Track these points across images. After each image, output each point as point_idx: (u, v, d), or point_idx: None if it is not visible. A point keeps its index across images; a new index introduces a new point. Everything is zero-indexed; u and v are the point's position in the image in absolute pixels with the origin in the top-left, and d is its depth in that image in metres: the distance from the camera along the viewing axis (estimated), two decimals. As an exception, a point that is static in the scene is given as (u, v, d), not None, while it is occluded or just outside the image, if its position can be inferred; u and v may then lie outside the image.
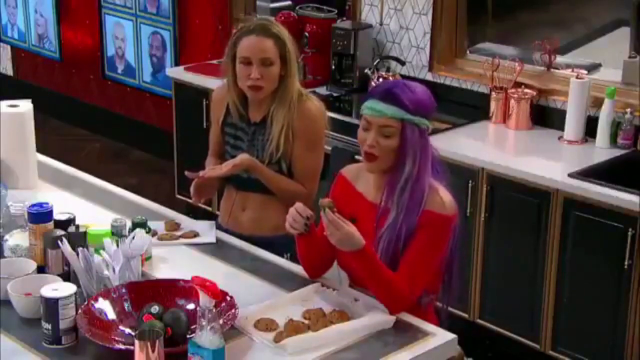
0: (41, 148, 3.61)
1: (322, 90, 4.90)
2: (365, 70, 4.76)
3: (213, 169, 3.06)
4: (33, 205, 2.76)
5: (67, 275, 2.62)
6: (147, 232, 2.81)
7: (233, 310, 2.44)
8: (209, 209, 4.98)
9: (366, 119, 2.56)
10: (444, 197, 2.57)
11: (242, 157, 3.04)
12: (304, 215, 2.58)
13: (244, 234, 3.12)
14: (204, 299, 2.20)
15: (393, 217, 2.54)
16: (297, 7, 5.22)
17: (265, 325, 2.46)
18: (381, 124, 2.52)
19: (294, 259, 2.91)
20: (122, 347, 2.31)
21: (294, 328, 2.43)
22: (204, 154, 3.30)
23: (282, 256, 3.00)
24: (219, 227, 3.18)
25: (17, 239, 2.82)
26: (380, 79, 4.59)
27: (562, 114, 4.17)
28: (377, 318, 2.48)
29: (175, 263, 2.88)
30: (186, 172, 3.06)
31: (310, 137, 3.07)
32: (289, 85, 3.05)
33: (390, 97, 2.51)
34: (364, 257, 2.49)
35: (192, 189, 3.11)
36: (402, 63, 4.77)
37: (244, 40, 3.01)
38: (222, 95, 3.18)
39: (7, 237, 2.83)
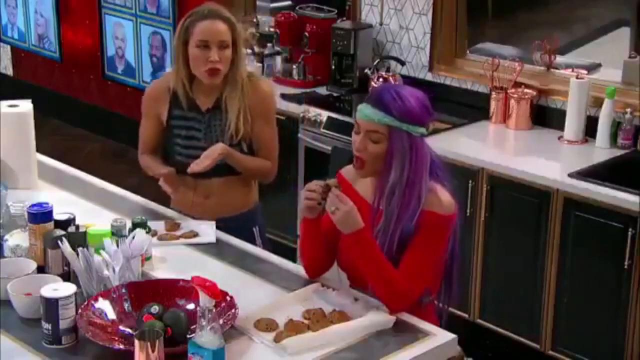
0: (41, 148, 3.60)
1: (322, 90, 4.90)
2: (365, 70, 4.76)
3: (197, 164, 3.07)
4: (33, 205, 2.76)
5: (67, 275, 2.62)
6: (147, 232, 2.81)
7: (233, 310, 2.44)
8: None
9: (357, 122, 2.57)
10: (442, 197, 2.57)
11: (221, 146, 3.08)
12: (322, 184, 2.58)
13: (210, 219, 3.16)
14: (204, 299, 2.20)
15: (383, 223, 2.55)
16: (297, 7, 5.22)
17: (265, 325, 2.46)
18: (369, 128, 2.53)
19: (262, 231, 3.18)
20: (122, 347, 2.31)
21: (294, 328, 2.44)
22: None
23: (252, 231, 3.20)
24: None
25: (17, 239, 2.82)
26: (380, 79, 4.59)
27: (562, 114, 4.17)
28: (377, 318, 2.48)
29: (175, 263, 2.88)
30: (160, 182, 3.13)
31: (267, 114, 3.20)
32: (240, 68, 3.13)
33: (378, 103, 2.52)
34: (362, 240, 2.49)
35: (167, 188, 3.14)
36: (402, 63, 4.76)
37: (199, 24, 3.06)
38: (163, 88, 3.20)
39: (7, 237, 2.83)
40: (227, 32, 3.07)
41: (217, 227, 3.10)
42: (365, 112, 2.54)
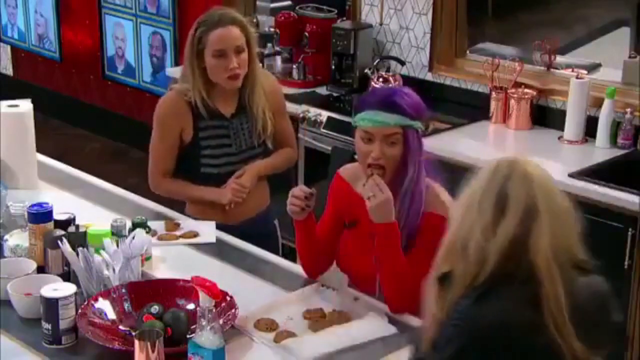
0: (41, 148, 3.60)
1: (322, 90, 4.90)
2: (365, 70, 4.76)
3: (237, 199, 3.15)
4: (33, 205, 2.76)
5: (67, 275, 2.62)
6: (147, 232, 2.82)
7: (233, 310, 2.44)
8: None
9: (367, 130, 2.53)
10: (444, 198, 2.57)
11: (250, 173, 3.15)
12: (306, 191, 2.61)
13: (234, 224, 3.17)
14: (204, 299, 2.20)
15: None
16: (297, 7, 5.21)
17: (265, 325, 2.46)
18: (386, 133, 2.51)
19: (281, 223, 3.22)
20: (122, 347, 2.31)
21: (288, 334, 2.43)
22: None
23: (274, 224, 3.33)
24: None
25: (17, 239, 2.82)
26: (381, 79, 4.59)
27: (562, 114, 4.17)
28: (378, 326, 2.47)
29: (175, 263, 2.88)
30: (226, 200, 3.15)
31: (282, 106, 3.30)
32: (256, 67, 3.15)
33: (391, 106, 2.50)
34: (391, 232, 2.47)
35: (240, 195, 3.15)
36: (402, 63, 4.76)
37: (213, 33, 3.05)
38: (181, 103, 3.13)
39: (7, 237, 2.83)
40: (241, 36, 3.07)
41: (243, 228, 3.13)
42: (377, 118, 2.50)
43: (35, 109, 3.47)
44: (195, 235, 3.07)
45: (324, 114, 4.51)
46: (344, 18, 5.04)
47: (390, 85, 4.53)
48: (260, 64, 5.05)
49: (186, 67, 3.12)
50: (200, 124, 3.13)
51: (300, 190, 2.61)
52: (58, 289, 2.40)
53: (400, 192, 2.53)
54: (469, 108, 4.51)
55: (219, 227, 3.13)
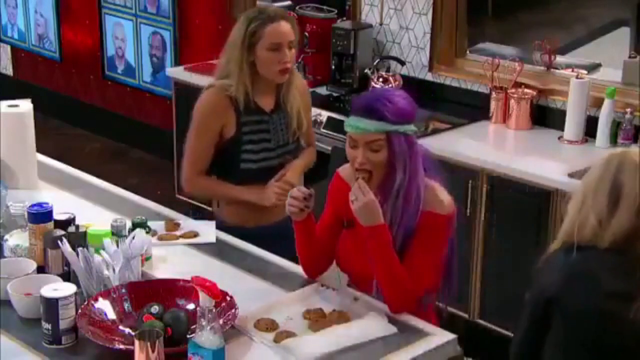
0: (41, 148, 3.60)
1: (322, 90, 4.90)
2: (365, 70, 4.76)
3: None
4: (33, 205, 2.76)
5: (67, 275, 2.62)
6: (147, 232, 2.82)
7: (233, 310, 2.44)
8: (210, 209, 4.97)
9: (351, 136, 2.55)
10: (442, 196, 2.57)
11: (294, 172, 3.20)
12: (304, 191, 2.61)
13: (268, 224, 3.18)
14: (204, 299, 2.20)
15: (388, 222, 2.54)
16: (297, 7, 5.21)
17: (265, 325, 2.46)
18: (368, 139, 2.51)
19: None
20: (122, 347, 2.31)
21: (292, 330, 2.43)
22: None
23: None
24: (243, 231, 3.14)
25: (17, 239, 2.82)
26: (380, 79, 4.59)
27: (562, 114, 4.17)
28: (378, 327, 2.47)
29: (175, 263, 2.88)
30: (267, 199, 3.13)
31: (310, 104, 3.36)
32: (294, 66, 3.21)
33: (372, 112, 2.50)
34: (379, 235, 2.48)
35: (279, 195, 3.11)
36: (402, 63, 4.76)
37: (269, 27, 3.07)
38: (224, 100, 3.12)
39: (7, 237, 2.83)
40: (292, 32, 3.11)
41: (276, 229, 3.10)
42: (359, 125, 2.51)
43: (35, 109, 3.47)
44: (195, 235, 3.07)
45: (324, 114, 4.52)
46: (344, 18, 5.04)
47: (390, 85, 4.54)
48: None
49: (231, 61, 3.10)
50: (243, 119, 3.13)
51: (298, 191, 2.62)
52: (58, 289, 2.40)
53: (390, 197, 2.53)
54: (469, 108, 4.52)
55: (250, 231, 3.11)
